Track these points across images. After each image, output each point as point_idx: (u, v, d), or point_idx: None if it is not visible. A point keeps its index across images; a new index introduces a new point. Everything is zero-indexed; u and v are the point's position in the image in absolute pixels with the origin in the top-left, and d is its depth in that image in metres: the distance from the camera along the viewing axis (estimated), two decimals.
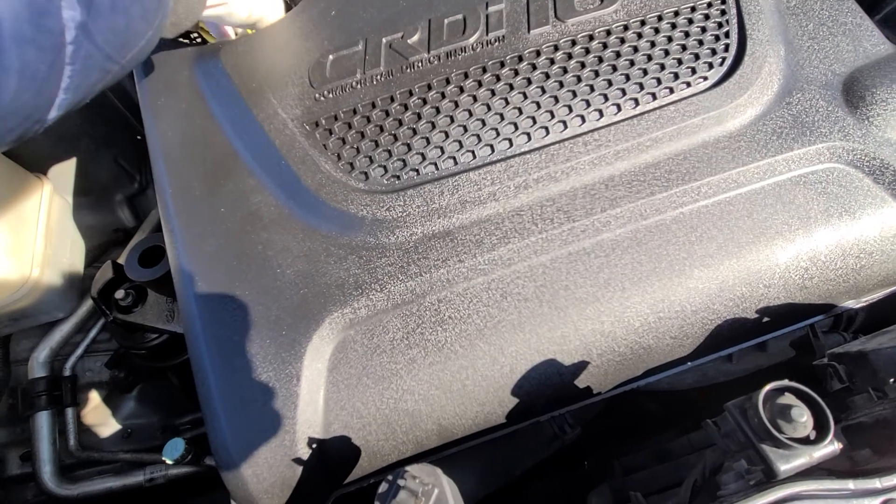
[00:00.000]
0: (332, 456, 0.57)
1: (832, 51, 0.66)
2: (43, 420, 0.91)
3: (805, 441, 0.40)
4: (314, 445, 0.55)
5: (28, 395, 0.92)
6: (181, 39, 0.72)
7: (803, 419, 0.40)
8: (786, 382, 0.41)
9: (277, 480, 0.55)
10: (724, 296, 0.59)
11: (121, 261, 0.88)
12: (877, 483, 0.41)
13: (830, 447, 0.40)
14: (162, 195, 0.63)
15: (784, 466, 0.41)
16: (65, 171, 1.04)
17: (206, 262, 0.60)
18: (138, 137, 1.16)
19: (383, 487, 0.45)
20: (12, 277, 0.84)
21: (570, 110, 0.62)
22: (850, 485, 0.40)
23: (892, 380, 0.48)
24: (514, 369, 0.58)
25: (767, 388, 0.41)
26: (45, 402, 0.92)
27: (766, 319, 0.61)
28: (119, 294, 0.89)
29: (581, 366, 0.59)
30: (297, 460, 0.54)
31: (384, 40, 0.64)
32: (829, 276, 0.60)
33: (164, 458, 0.80)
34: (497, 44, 0.64)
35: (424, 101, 0.62)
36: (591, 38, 0.64)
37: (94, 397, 1.03)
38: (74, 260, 0.99)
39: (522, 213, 0.60)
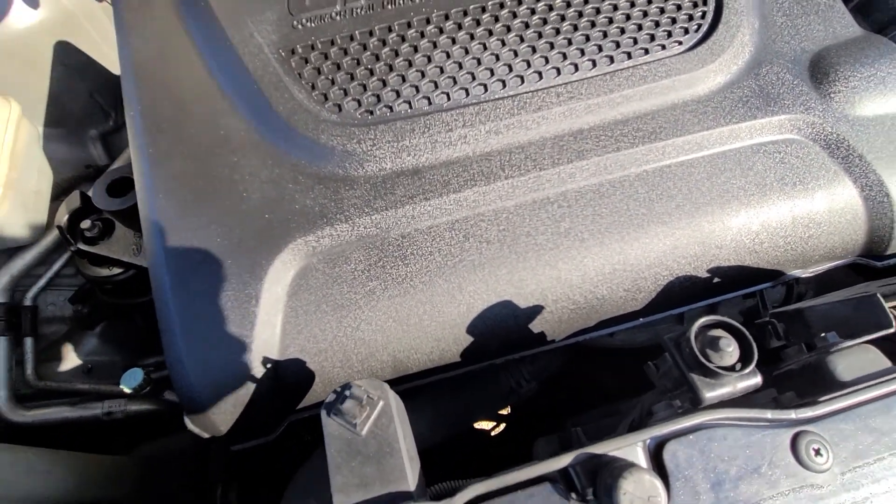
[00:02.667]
0: (287, 379, 0.58)
1: (804, 28, 0.68)
2: (0, 346, 0.90)
3: (731, 370, 0.42)
4: (269, 366, 0.56)
5: None
6: None
7: (730, 349, 0.42)
8: (717, 317, 0.44)
9: (230, 397, 0.55)
10: (678, 253, 0.61)
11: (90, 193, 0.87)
12: (792, 414, 0.43)
13: (753, 378, 0.43)
14: (131, 113, 0.62)
15: (709, 394, 0.43)
16: (36, 98, 1.02)
17: (172, 182, 0.59)
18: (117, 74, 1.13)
19: (331, 397, 0.46)
20: None
21: (547, 61, 0.63)
22: (768, 415, 0.43)
23: (822, 334, 0.51)
24: (471, 308, 0.59)
25: (700, 321, 0.44)
26: (2, 327, 0.91)
27: (716, 280, 0.64)
28: (85, 224, 0.88)
29: (536, 310, 0.61)
30: (251, 378, 0.55)
31: None
32: (779, 242, 0.63)
33: (121, 387, 0.80)
34: None
35: (403, 39, 0.62)
36: None
37: (55, 331, 1.02)
38: (41, 188, 0.97)
39: (491, 158, 0.61)
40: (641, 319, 0.66)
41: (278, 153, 0.59)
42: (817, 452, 0.42)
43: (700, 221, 0.61)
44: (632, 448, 0.43)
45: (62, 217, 0.91)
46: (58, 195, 1.06)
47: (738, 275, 0.64)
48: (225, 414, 0.56)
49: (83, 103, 1.08)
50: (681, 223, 0.61)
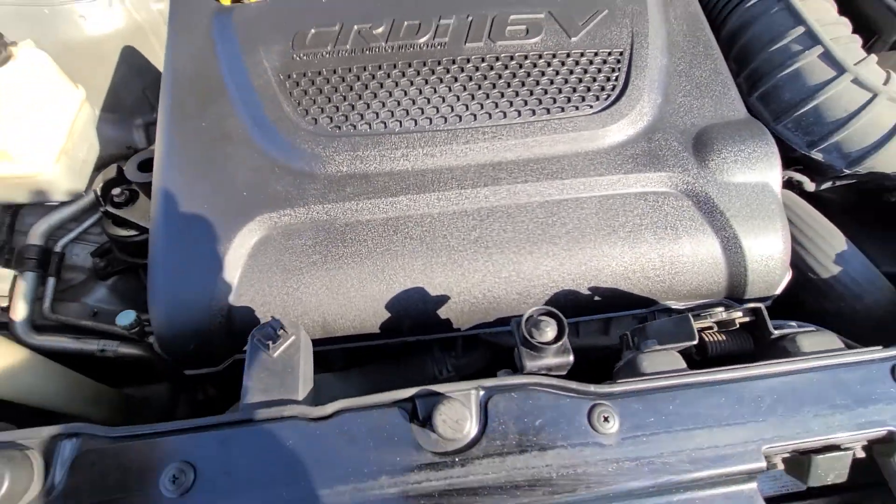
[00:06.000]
0: (236, 322, 0.74)
1: (697, 108, 0.84)
2: (28, 278, 1.09)
3: (549, 343, 0.56)
4: (223, 309, 0.72)
5: (21, 256, 1.10)
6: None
7: (549, 329, 0.56)
8: (543, 307, 0.58)
9: (190, 327, 0.72)
10: (563, 270, 0.76)
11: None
12: (591, 388, 0.56)
13: (567, 356, 0.57)
14: (162, 105, 0.82)
15: (529, 363, 0.57)
16: (99, 87, 1.25)
17: (181, 161, 0.78)
18: None
19: (259, 326, 0.61)
20: (38, 156, 1.03)
21: (482, 107, 0.81)
22: (573, 386, 0.56)
23: (648, 340, 0.64)
24: (390, 288, 0.75)
25: (530, 310, 0.58)
26: (33, 265, 1.10)
27: (596, 298, 0.78)
28: (116, 191, 1.09)
29: (442, 299, 0.76)
30: (208, 316, 0.71)
31: (355, 27, 0.84)
32: (649, 274, 0.77)
33: (116, 323, 0.97)
34: (440, 47, 0.83)
35: (373, 77, 0.81)
36: (511, 58, 0.83)
37: (74, 277, 1.21)
38: (88, 158, 1.18)
39: (425, 175, 0.78)
40: None
41: (263, 150, 0.78)
42: (606, 420, 0.55)
43: (584, 247, 0.76)
44: (467, 393, 0.56)
45: (99, 183, 1.12)
46: (100, 167, 1.27)
47: (615, 297, 0.78)
48: (184, 339, 0.72)
49: (136, 96, 1.32)
50: (568, 246, 0.76)
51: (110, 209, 1.10)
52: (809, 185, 0.92)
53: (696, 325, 0.62)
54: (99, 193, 1.12)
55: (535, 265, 0.76)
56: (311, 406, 0.56)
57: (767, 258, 0.76)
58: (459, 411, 0.52)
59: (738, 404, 0.58)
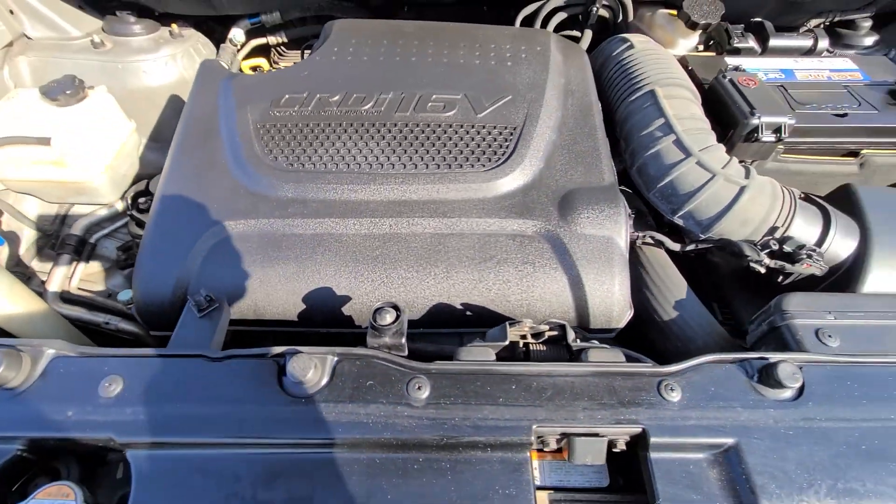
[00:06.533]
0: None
1: (570, 173, 1.06)
2: (64, 260, 1.40)
3: (387, 326, 0.77)
4: (184, 286, 0.98)
5: (63, 242, 1.42)
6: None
7: (388, 315, 0.77)
8: (389, 302, 0.79)
9: (158, 295, 0.97)
10: (442, 287, 0.97)
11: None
12: (414, 364, 0.76)
13: (399, 337, 0.77)
14: (175, 140, 1.13)
15: (371, 340, 0.78)
16: (148, 122, 1.62)
17: (178, 178, 1.07)
18: None
19: (194, 294, 0.86)
20: (90, 167, 1.37)
21: (399, 159, 1.07)
22: (402, 361, 0.76)
23: (477, 339, 0.84)
24: (307, 286, 0.98)
25: (378, 303, 0.79)
26: (70, 250, 1.42)
27: (468, 313, 0.98)
28: (141, 200, 1.41)
29: (346, 299, 0.98)
30: (172, 287, 0.97)
31: (318, 95, 1.14)
32: (510, 299, 0.96)
33: (118, 297, 1.25)
34: (376, 114, 1.11)
35: (323, 131, 1.09)
36: (428, 125, 1.10)
37: (100, 265, 1.52)
38: (128, 174, 1.52)
39: (347, 204, 1.03)
40: (421, 330, 1.00)
41: (235, 177, 1.06)
42: (419, 388, 0.75)
43: (460, 271, 0.97)
44: (323, 357, 0.77)
45: (131, 193, 1.45)
46: (138, 181, 1.62)
47: (483, 315, 0.98)
48: (154, 307, 0.98)
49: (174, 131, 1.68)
50: (448, 269, 0.97)
51: (135, 213, 1.42)
52: (673, 245, 1.10)
53: (513, 332, 0.82)
54: (129, 200, 1.44)
55: (420, 281, 0.97)
56: (215, 351, 0.79)
57: (605, 296, 0.95)
58: (306, 362, 0.73)
59: (524, 391, 0.76)
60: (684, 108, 1.10)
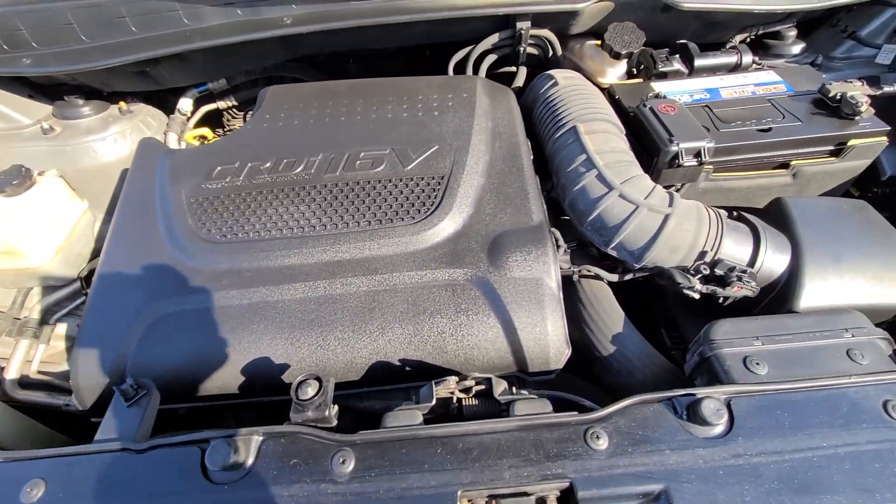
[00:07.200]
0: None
1: (498, 218, 1.07)
2: (22, 345, 1.40)
3: (309, 400, 0.76)
4: (121, 369, 0.98)
5: (22, 327, 1.42)
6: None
7: (310, 389, 0.77)
8: (312, 374, 0.79)
9: (97, 378, 0.97)
10: (378, 345, 0.97)
11: None
12: (338, 437, 0.75)
13: (324, 410, 0.77)
14: (115, 215, 1.15)
15: (294, 415, 0.77)
16: (104, 198, 1.64)
17: (116, 255, 1.09)
18: None
19: (120, 384, 0.86)
20: (41, 253, 1.39)
21: (331, 220, 1.08)
22: (325, 435, 0.75)
23: (404, 402, 0.83)
24: (245, 357, 0.98)
25: (301, 376, 0.79)
26: (30, 334, 1.42)
27: (407, 368, 0.97)
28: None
29: (284, 367, 0.98)
30: (109, 372, 0.97)
31: (249, 164, 1.16)
32: (447, 349, 0.96)
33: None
34: (306, 177, 1.13)
35: (255, 199, 1.11)
36: (357, 183, 1.12)
37: (61, 345, 1.52)
38: (83, 253, 1.54)
39: (281, 271, 1.04)
40: (365, 389, 1.00)
41: (170, 252, 1.07)
42: (343, 462, 0.74)
43: (394, 327, 0.97)
44: (248, 438, 0.77)
45: (85, 271, 1.46)
46: (95, 256, 1.63)
47: (422, 369, 0.97)
48: (92, 393, 0.97)
49: None
50: (383, 326, 0.97)
51: (89, 291, 1.42)
52: (610, 276, 1.10)
53: (440, 390, 0.81)
54: (83, 279, 1.45)
55: (356, 341, 0.97)
56: (140, 442, 0.78)
57: (538, 338, 0.94)
58: (225, 449, 0.72)
59: (450, 454, 0.75)
60: (605, 142, 1.12)
